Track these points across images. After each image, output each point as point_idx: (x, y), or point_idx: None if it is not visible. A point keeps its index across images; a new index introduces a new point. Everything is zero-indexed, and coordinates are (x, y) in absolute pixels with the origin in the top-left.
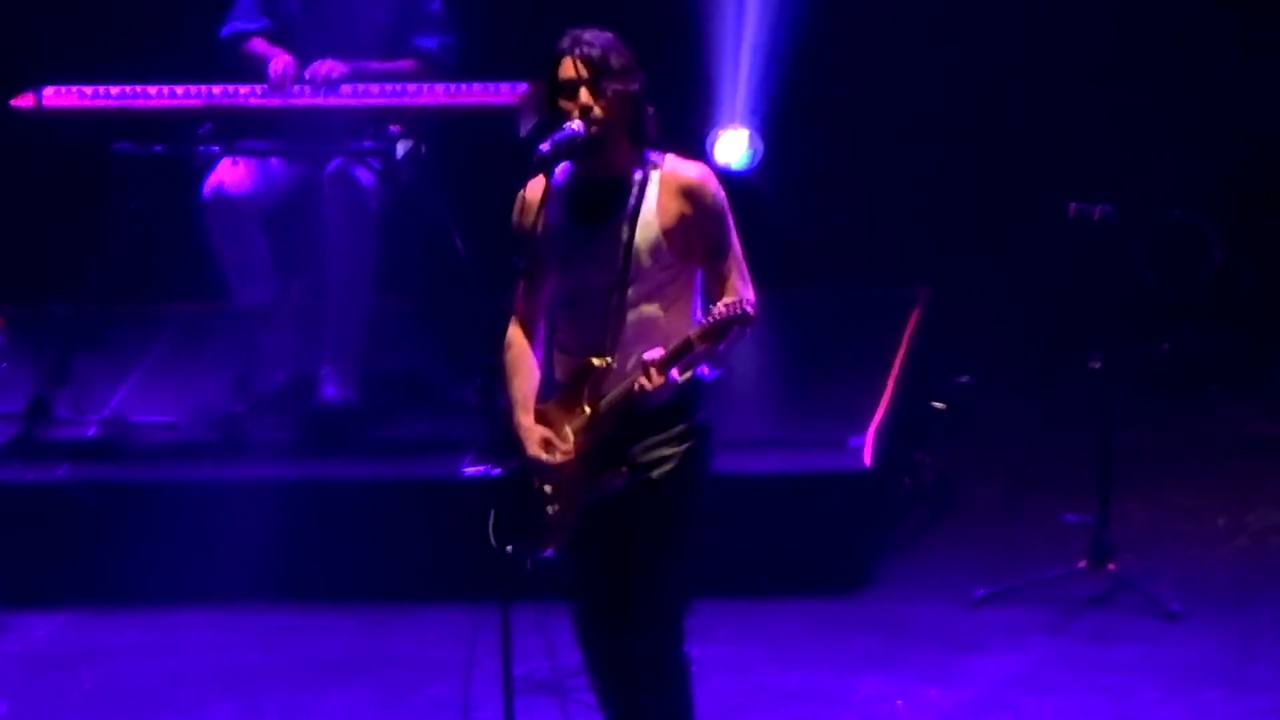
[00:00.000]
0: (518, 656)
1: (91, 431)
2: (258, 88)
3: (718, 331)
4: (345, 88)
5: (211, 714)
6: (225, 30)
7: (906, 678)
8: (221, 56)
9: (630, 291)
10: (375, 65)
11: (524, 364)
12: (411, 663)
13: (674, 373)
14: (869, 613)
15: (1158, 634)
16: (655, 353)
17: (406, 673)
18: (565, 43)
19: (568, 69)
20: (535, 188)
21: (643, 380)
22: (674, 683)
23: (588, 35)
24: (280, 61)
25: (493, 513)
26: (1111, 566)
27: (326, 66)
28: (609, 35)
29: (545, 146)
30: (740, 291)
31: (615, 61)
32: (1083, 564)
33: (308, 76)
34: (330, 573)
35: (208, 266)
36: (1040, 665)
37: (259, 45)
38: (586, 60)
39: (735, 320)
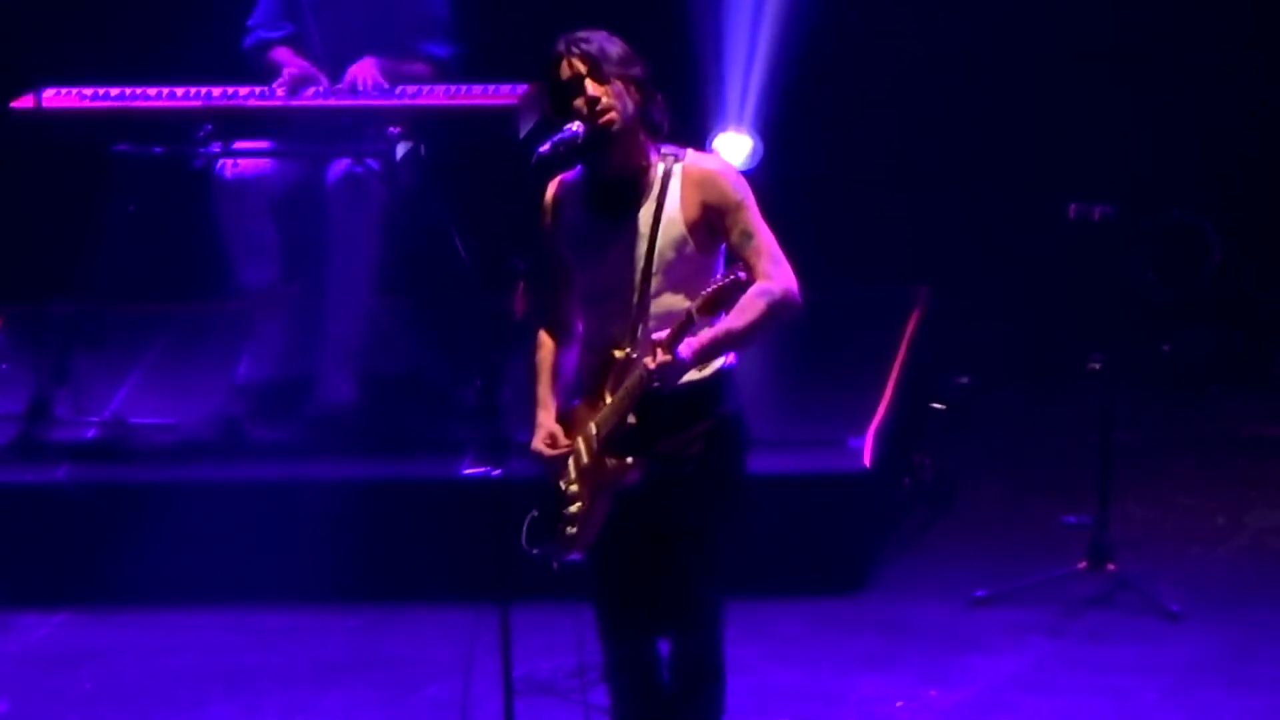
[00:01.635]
0: (516, 656)
1: (91, 432)
2: (257, 89)
3: (715, 300)
4: (345, 89)
5: (211, 714)
6: (249, 41)
7: (906, 678)
8: (246, 64)
9: (654, 285)
10: (400, 66)
11: (549, 365)
12: (410, 663)
13: (682, 349)
14: (869, 613)
15: (1157, 634)
16: (662, 333)
17: (405, 673)
18: (559, 45)
19: (565, 69)
20: (551, 190)
21: (647, 360)
22: (705, 686)
23: (580, 33)
24: (294, 69)
25: (530, 516)
26: (1111, 567)
27: (364, 73)
28: (602, 31)
29: (544, 148)
30: (770, 274)
31: (612, 51)
32: (1082, 564)
33: (346, 83)
34: (329, 573)
35: (208, 267)
36: (1040, 665)
37: (283, 54)
38: (583, 55)
39: (731, 287)
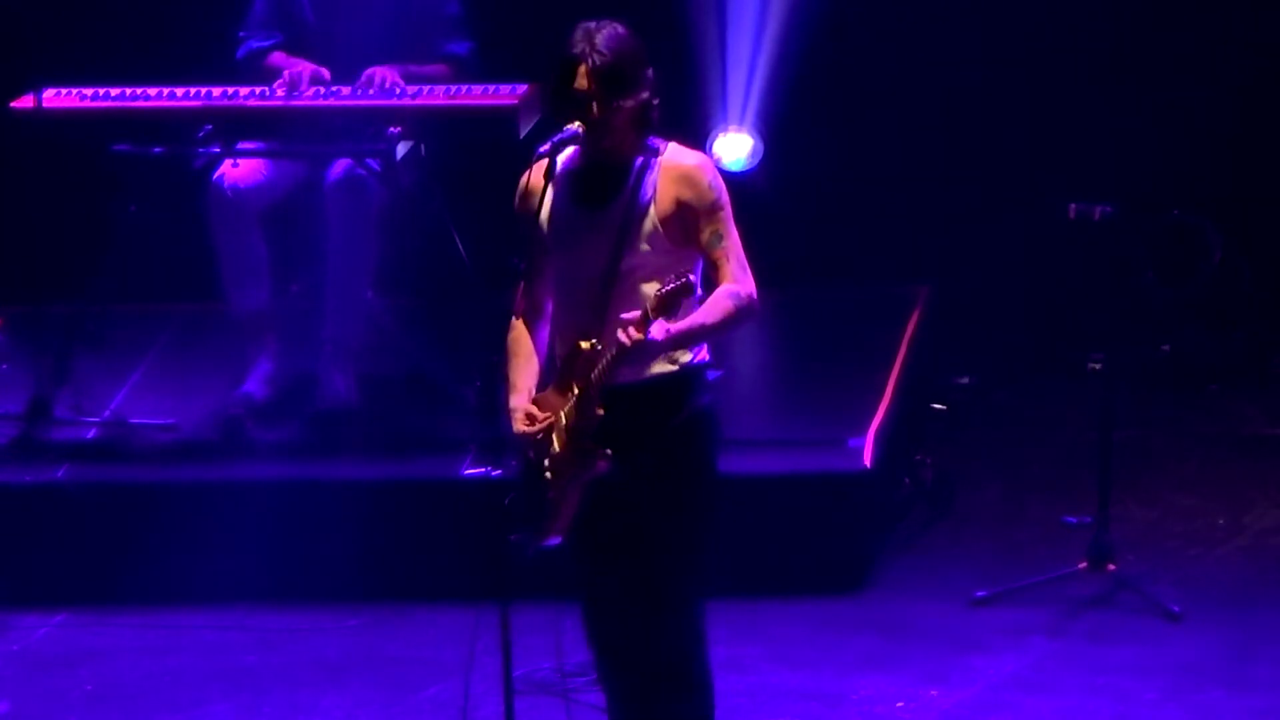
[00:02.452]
0: (517, 656)
1: (91, 432)
2: (257, 89)
3: (667, 302)
4: (344, 89)
5: (211, 714)
6: (241, 52)
7: (906, 678)
8: (241, 77)
9: (625, 277)
10: (415, 69)
11: (522, 348)
12: (411, 663)
13: (655, 331)
14: (869, 613)
15: (1157, 634)
16: (633, 314)
17: (406, 673)
18: (579, 46)
19: (580, 79)
20: (539, 171)
21: (621, 335)
22: (685, 683)
23: (600, 38)
24: (294, 69)
25: (507, 502)
26: (1111, 567)
27: (380, 74)
28: (621, 35)
29: (545, 148)
30: (737, 277)
31: (626, 72)
32: (1082, 564)
33: (362, 81)
34: (330, 573)
35: (208, 267)
36: (1040, 665)
37: (278, 59)
38: (597, 74)
39: (680, 290)
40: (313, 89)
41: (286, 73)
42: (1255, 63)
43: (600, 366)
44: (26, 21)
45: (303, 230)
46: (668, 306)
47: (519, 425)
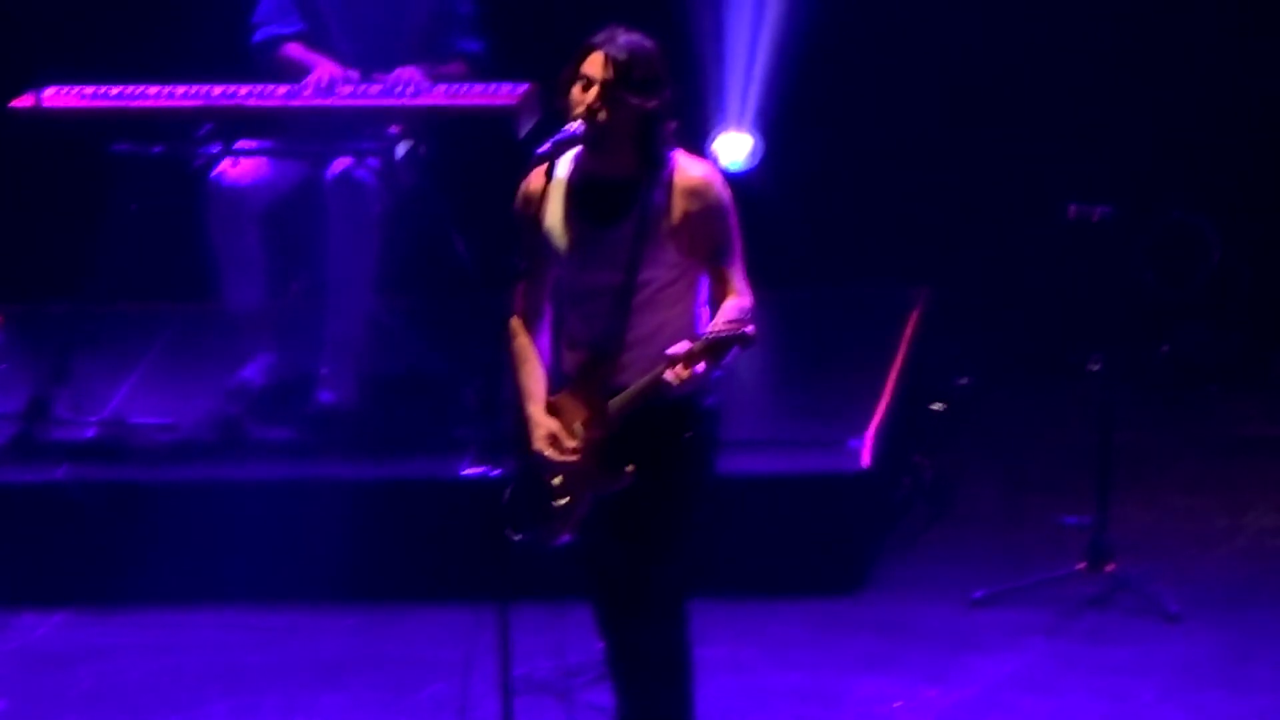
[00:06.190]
0: (516, 656)
1: (90, 431)
2: (258, 88)
3: (717, 349)
4: (344, 88)
5: (210, 713)
6: (259, 35)
7: (905, 678)
8: (253, 61)
9: (637, 291)
10: (437, 69)
11: (530, 355)
12: (410, 662)
13: (700, 367)
14: (868, 613)
15: (1156, 635)
16: (681, 347)
17: (405, 672)
18: (601, 37)
19: (592, 64)
20: (538, 178)
21: (680, 372)
22: (672, 673)
23: (623, 38)
24: (326, 70)
25: (506, 502)
26: (1110, 567)
27: (408, 74)
28: (647, 45)
29: (545, 147)
30: (742, 291)
31: (638, 73)
32: (1081, 565)
33: (391, 83)
34: (329, 572)
35: (207, 266)
36: (1038, 666)
37: (296, 51)
38: (610, 61)
39: (733, 341)
40: (311, 88)
41: (315, 73)
42: (1255, 61)
43: (632, 392)
44: (27, 20)
45: (303, 230)
46: (718, 353)
47: (541, 444)
